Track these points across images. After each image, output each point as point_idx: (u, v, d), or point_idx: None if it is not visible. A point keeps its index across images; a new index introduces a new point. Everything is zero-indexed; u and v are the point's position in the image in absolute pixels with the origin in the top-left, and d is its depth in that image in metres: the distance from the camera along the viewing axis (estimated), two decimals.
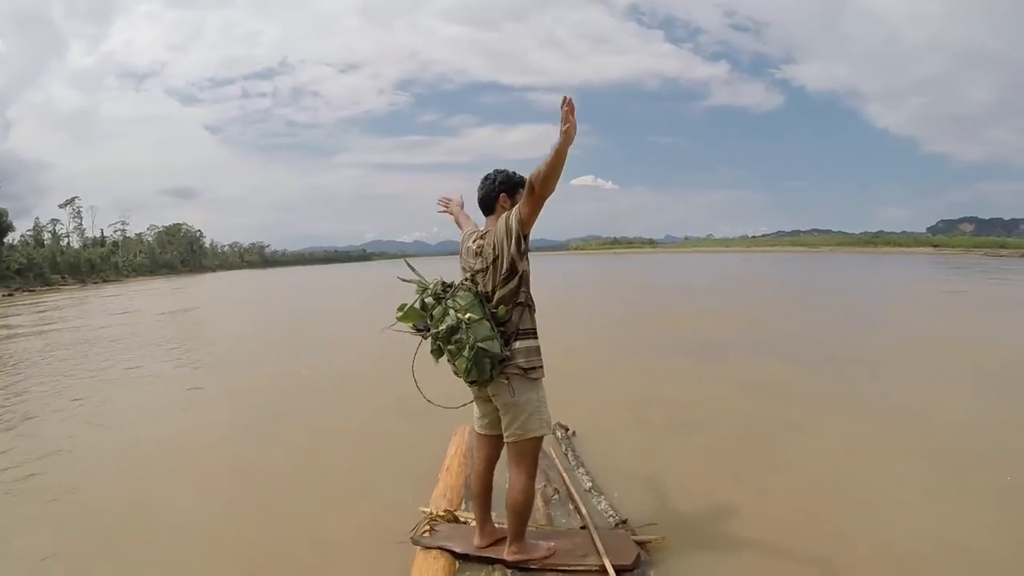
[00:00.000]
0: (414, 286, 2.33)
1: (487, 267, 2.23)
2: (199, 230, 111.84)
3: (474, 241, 2.32)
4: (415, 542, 2.57)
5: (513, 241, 2.18)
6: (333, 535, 2.98)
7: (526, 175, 2.17)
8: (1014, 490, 3.17)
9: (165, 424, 5.19)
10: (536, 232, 2.25)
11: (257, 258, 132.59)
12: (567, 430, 3.96)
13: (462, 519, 2.77)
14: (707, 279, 27.27)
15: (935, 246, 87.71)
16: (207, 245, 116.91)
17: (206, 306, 21.87)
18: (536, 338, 2.27)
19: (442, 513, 2.78)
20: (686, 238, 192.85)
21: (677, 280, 27.33)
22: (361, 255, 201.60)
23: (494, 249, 2.22)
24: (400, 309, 2.29)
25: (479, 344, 2.10)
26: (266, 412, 5.41)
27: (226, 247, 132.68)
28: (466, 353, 2.12)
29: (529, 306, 2.25)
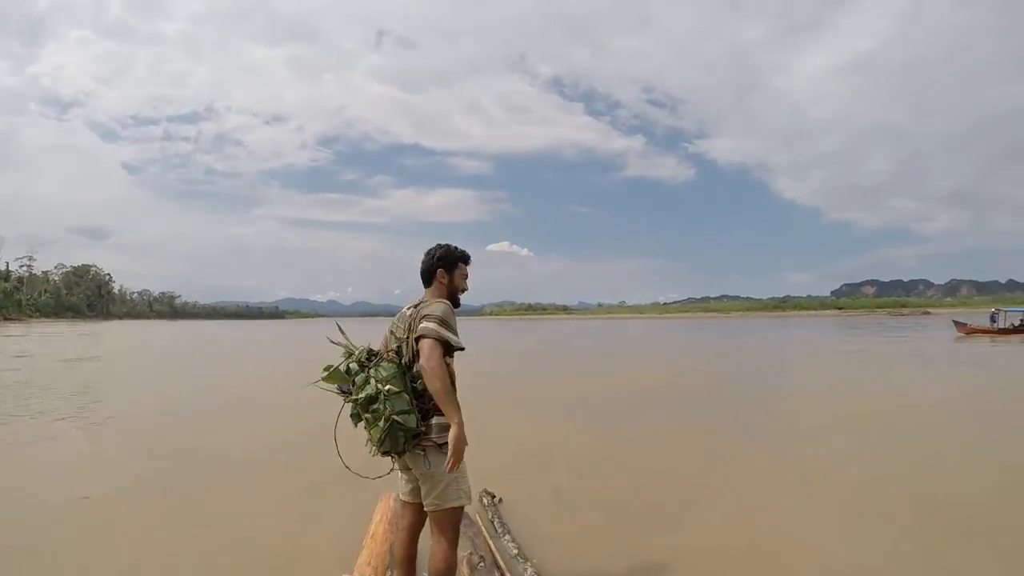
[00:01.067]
0: (341, 349, 2.36)
1: (406, 338, 2.31)
2: (108, 274, 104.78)
3: (408, 309, 2.41)
4: None
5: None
6: None
7: (458, 247, 2.46)
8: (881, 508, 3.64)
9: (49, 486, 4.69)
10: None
11: (167, 308, 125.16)
12: (493, 497, 4.00)
13: None
14: (626, 344, 28.70)
15: (840, 308, 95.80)
16: (116, 291, 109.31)
17: (117, 361, 20.05)
18: None
19: None
20: (599, 305, 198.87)
21: (598, 346, 28.55)
22: (274, 312, 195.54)
23: (412, 327, 2.29)
24: (326, 369, 2.30)
25: (395, 417, 2.15)
26: (169, 475, 5.03)
27: (135, 294, 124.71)
28: (381, 424, 2.16)
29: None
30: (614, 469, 5.21)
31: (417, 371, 2.22)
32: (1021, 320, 29.25)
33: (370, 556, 2.97)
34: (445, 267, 2.46)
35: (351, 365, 2.28)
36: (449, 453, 2.16)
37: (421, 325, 2.23)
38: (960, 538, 3.50)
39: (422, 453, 2.24)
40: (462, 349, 2.31)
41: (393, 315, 2.54)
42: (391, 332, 2.43)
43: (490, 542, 3.30)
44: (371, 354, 2.31)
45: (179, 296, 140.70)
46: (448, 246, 2.51)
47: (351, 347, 2.35)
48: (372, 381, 2.20)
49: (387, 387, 2.17)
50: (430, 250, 2.50)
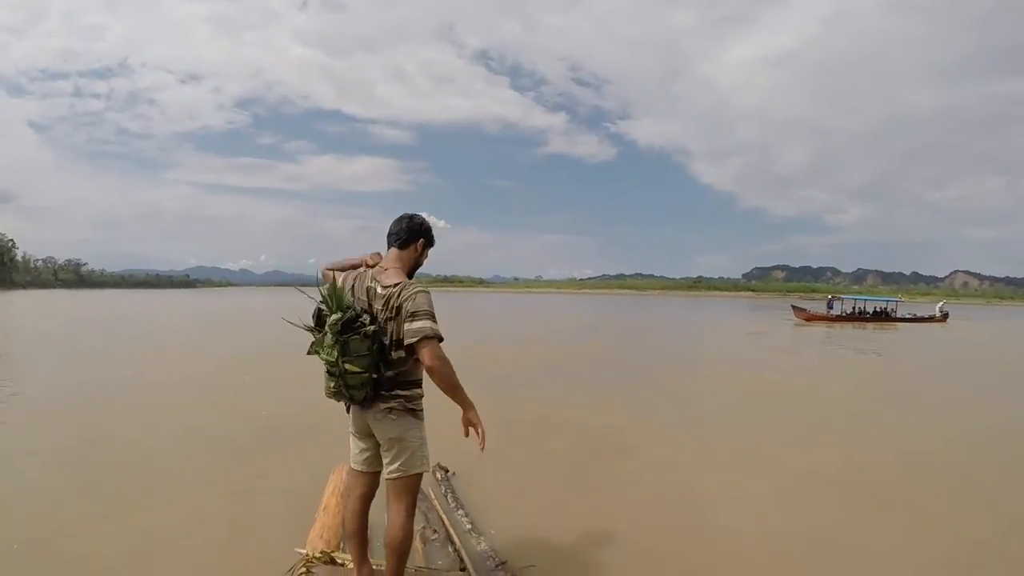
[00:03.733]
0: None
1: (393, 318, 2.19)
2: (11, 239, 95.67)
3: (383, 288, 2.24)
4: None
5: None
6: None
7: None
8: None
9: None
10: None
11: (73, 277, 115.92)
12: (446, 471, 4.00)
13: (339, 561, 2.68)
14: (556, 317, 29.40)
15: (753, 291, 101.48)
16: (19, 258, 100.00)
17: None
18: (421, 388, 2.29)
19: (318, 555, 2.66)
20: (515, 278, 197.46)
21: (531, 319, 29.27)
22: (185, 281, 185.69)
23: (403, 310, 2.16)
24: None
25: (345, 388, 2.16)
26: (107, 449, 4.78)
27: (39, 262, 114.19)
28: (332, 384, 2.18)
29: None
30: (558, 440, 5.48)
31: (396, 355, 2.18)
32: (854, 308, 29.91)
33: (322, 529, 2.91)
34: (428, 240, 2.42)
35: (328, 330, 2.15)
36: (478, 435, 2.24)
37: (419, 324, 2.12)
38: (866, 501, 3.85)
39: (394, 417, 2.20)
40: None
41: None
42: (356, 301, 2.27)
43: (444, 516, 3.30)
44: (347, 324, 2.15)
45: (86, 264, 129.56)
46: (428, 223, 2.44)
47: (331, 306, 2.19)
48: (335, 352, 2.12)
49: (348, 365, 2.12)
50: (413, 216, 2.40)
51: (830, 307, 29.47)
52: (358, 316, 2.19)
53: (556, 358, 12.39)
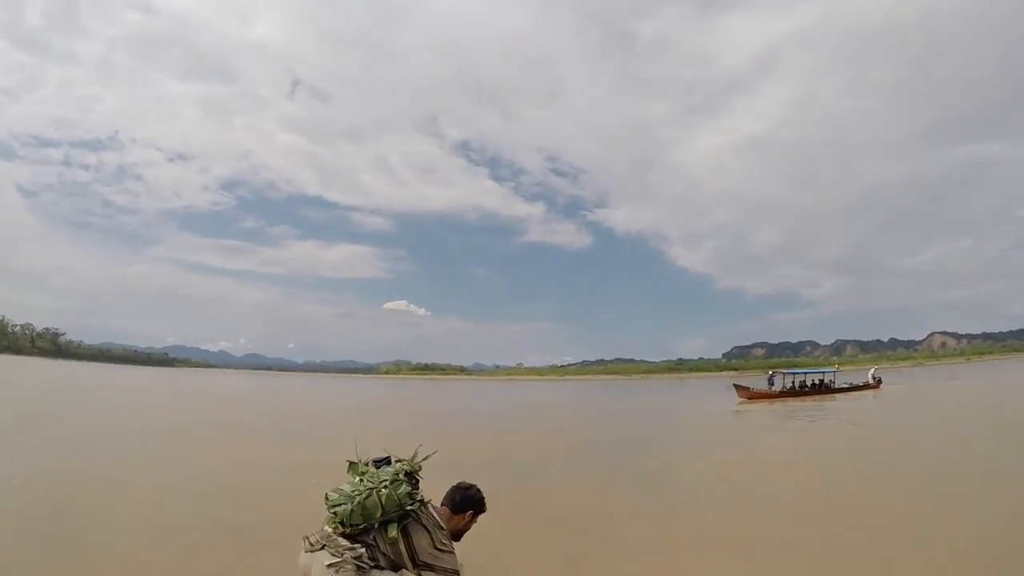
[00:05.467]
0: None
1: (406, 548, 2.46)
2: None
3: (423, 511, 2.55)
4: None
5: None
6: None
7: None
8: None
9: None
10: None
11: (50, 346, 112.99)
12: None
13: None
14: (545, 405, 29.37)
15: (735, 369, 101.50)
16: None
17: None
18: None
19: None
20: (496, 366, 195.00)
21: (509, 407, 28.96)
22: (163, 359, 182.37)
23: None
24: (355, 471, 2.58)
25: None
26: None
27: (17, 327, 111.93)
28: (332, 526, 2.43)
29: None
30: (543, 524, 5.65)
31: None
32: (794, 382, 29.03)
33: None
34: (477, 512, 2.73)
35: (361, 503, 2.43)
36: None
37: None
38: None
39: None
40: None
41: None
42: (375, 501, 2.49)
43: None
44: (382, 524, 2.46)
45: (64, 334, 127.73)
46: (482, 495, 2.76)
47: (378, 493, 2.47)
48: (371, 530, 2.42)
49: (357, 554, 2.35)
50: (473, 487, 2.75)
51: (771, 383, 28.61)
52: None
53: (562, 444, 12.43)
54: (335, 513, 2.40)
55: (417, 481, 2.55)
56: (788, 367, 52.40)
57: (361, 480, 2.48)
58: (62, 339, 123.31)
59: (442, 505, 2.67)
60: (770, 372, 31.43)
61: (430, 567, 2.42)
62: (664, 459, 10.32)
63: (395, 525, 2.42)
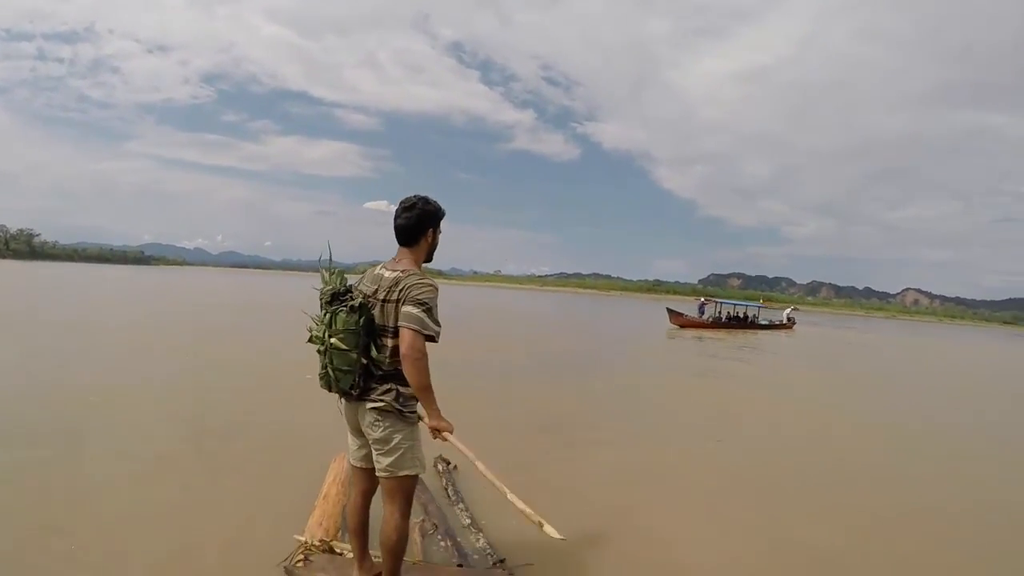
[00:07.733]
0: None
1: (397, 301, 2.10)
2: None
3: (386, 272, 2.19)
4: (288, 572, 2.40)
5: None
6: (199, 561, 2.71)
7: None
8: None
9: None
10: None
11: (24, 247, 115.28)
12: (448, 464, 3.97)
13: (338, 550, 2.65)
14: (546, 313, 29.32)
15: (711, 295, 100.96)
16: None
17: None
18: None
19: (317, 543, 2.64)
20: (473, 272, 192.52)
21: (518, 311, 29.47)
22: (139, 258, 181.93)
23: (407, 297, 2.08)
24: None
25: (331, 369, 2.13)
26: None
27: None
28: (318, 369, 2.19)
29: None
30: (571, 435, 5.54)
31: (381, 342, 2.12)
32: (721, 312, 29.60)
33: (322, 517, 2.88)
34: (435, 225, 2.28)
35: (321, 299, 2.23)
36: (433, 437, 2.23)
37: (406, 310, 2.05)
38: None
39: (379, 417, 2.12)
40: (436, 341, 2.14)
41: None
42: (357, 284, 2.28)
43: (444, 510, 3.27)
44: (335, 296, 2.18)
45: (39, 235, 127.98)
46: (429, 199, 2.27)
47: (327, 280, 2.25)
48: (324, 326, 2.14)
49: (333, 340, 2.09)
50: (412, 202, 2.23)
51: (701, 311, 28.73)
52: (348, 290, 2.22)
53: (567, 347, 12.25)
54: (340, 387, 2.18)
55: (350, 292, 2.22)
56: (766, 301, 52.65)
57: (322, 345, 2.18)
58: (36, 240, 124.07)
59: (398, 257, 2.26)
60: (701, 300, 31.61)
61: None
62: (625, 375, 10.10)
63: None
